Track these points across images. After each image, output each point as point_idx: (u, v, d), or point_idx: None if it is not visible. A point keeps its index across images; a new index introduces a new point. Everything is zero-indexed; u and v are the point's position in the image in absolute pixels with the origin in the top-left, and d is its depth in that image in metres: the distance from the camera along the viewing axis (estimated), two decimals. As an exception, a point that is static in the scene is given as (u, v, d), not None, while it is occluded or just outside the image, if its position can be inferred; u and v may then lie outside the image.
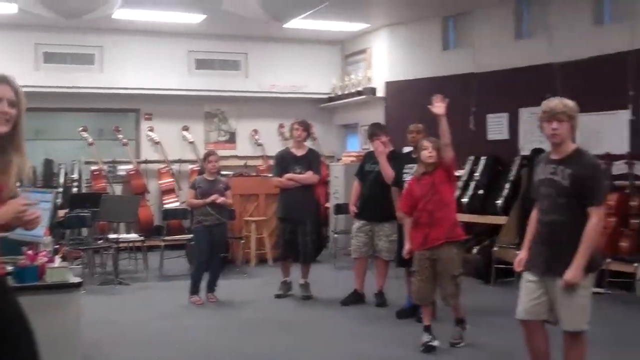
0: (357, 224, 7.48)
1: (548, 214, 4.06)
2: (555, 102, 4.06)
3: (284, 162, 7.83)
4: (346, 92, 12.66)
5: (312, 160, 7.80)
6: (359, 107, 12.60)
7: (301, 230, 7.67)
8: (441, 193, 5.64)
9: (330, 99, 13.15)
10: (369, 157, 7.52)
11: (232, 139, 13.27)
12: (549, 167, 4.09)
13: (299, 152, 7.81)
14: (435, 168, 5.67)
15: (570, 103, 4.08)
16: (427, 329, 5.67)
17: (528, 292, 4.18)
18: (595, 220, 3.95)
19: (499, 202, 8.95)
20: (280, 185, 7.86)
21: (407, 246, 5.87)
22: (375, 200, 7.23)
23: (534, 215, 4.30)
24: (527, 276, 4.20)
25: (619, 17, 8.80)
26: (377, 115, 11.77)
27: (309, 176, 7.70)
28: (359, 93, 12.24)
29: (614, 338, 5.97)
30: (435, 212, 5.60)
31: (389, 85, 11.87)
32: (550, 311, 4.09)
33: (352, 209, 7.53)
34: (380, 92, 11.98)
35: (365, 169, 7.46)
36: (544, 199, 4.09)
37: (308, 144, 8.16)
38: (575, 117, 4.06)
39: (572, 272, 3.94)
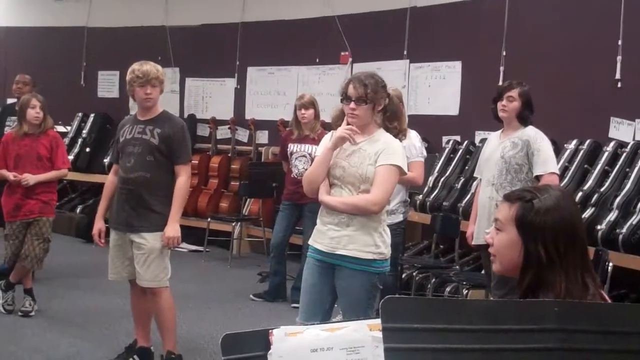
0: None
1: (134, 171, 4.08)
2: (148, 67, 4.07)
3: None
4: None
5: None
6: None
7: None
8: (45, 163, 5.27)
9: None
10: None
11: None
12: (137, 128, 4.12)
13: None
14: (41, 132, 5.29)
15: (160, 68, 4.15)
16: (28, 292, 5.36)
17: (114, 253, 4.20)
18: (184, 177, 4.11)
19: (107, 160, 8.83)
20: None
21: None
22: None
23: (111, 179, 4.30)
24: (113, 235, 4.21)
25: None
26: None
27: None
28: None
29: (210, 293, 6.30)
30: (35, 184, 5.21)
31: (-7, 30, 10.90)
32: (134, 269, 4.12)
33: None
34: None
35: None
36: (130, 157, 4.10)
37: None
38: (164, 82, 4.16)
39: (171, 228, 4.04)
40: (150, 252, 4.04)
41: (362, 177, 3.26)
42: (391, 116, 3.38)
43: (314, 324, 1.71)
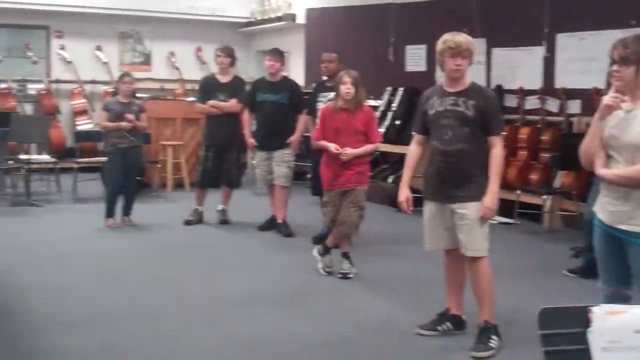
0: (260, 154, 7.45)
1: (452, 143, 4.13)
2: (460, 38, 4.09)
3: (208, 88, 7.69)
4: (266, 17, 12.46)
5: (236, 88, 7.64)
6: (278, 33, 12.43)
7: (226, 158, 7.61)
8: (360, 137, 5.57)
9: (249, 24, 12.93)
10: (262, 85, 7.42)
11: (147, 61, 12.94)
12: (449, 100, 4.16)
13: (224, 79, 7.66)
14: (356, 107, 5.56)
15: (471, 39, 4.14)
16: (346, 256, 5.75)
17: (431, 223, 4.30)
18: (500, 148, 4.14)
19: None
20: (202, 112, 7.76)
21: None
22: (275, 130, 7.23)
23: (414, 149, 4.40)
24: (430, 207, 4.31)
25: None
26: (298, 42, 11.65)
27: (231, 104, 7.56)
28: (278, 19, 12.06)
29: (520, 266, 6.24)
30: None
31: (310, 12, 11.71)
32: (453, 238, 4.21)
33: (251, 141, 7.44)
34: (301, 19, 11.83)
35: (256, 98, 7.34)
36: (446, 130, 4.15)
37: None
38: (473, 54, 4.14)
39: (490, 198, 4.09)
40: (474, 221, 4.11)
41: (635, 145, 3.07)
42: None
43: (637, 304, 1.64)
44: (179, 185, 10.11)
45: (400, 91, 9.83)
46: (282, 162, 7.28)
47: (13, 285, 5.31)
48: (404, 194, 4.40)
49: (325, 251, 5.82)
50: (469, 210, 4.11)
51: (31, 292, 5.17)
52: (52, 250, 6.50)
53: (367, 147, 5.61)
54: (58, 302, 4.98)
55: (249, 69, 12.80)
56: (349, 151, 5.50)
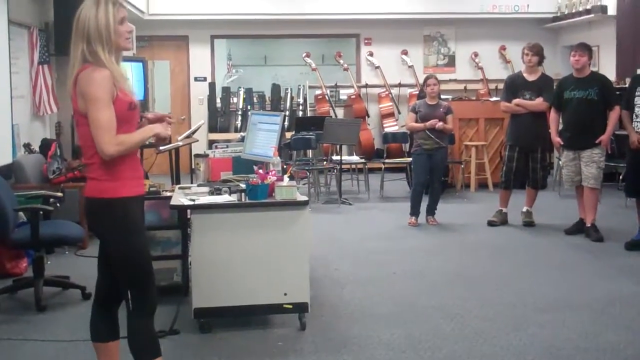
0: (566, 154, 7.16)
1: None
2: None
3: (514, 86, 7.59)
4: (573, 10, 11.94)
5: (543, 86, 7.45)
6: (587, 27, 11.85)
7: (531, 157, 7.48)
8: None
9: (555, 19, 12.49)
10: (568, 83, 7.12)
11: (451, 62, 13.10)
12: None
13: (531, 77, 7.51)
14: None
15: None
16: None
17: None
18: None
19: None
20: (507, 110, 7.66)
21: None
22: (583, 128, 6.90)
23: None
24: None
25: None
26: (608, 35, 11.01)
27: (537, 103, 7.39)
28: (587, 11, 11.48)
29: None
30: None
31: (621, 2, 10.98)
32: None
33: (557, 140, 7.19)
34: (612, 10, 11.14)
35: (564, 96, 7.07)
36: None
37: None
38: None
39: None
40: None
41: None
42: None
43: None
44: (482, 185, 10.11)
45: None
46: (591, 162, 6.95)
47: (328, 277, 5.71)
48: None
49: None
50: None
51: (344, 284, 5.53)
52: (361, 245, 6.88)
53: None
54: (368, 294, 5.26)
55: (555, 66, 12.38)
56: None
